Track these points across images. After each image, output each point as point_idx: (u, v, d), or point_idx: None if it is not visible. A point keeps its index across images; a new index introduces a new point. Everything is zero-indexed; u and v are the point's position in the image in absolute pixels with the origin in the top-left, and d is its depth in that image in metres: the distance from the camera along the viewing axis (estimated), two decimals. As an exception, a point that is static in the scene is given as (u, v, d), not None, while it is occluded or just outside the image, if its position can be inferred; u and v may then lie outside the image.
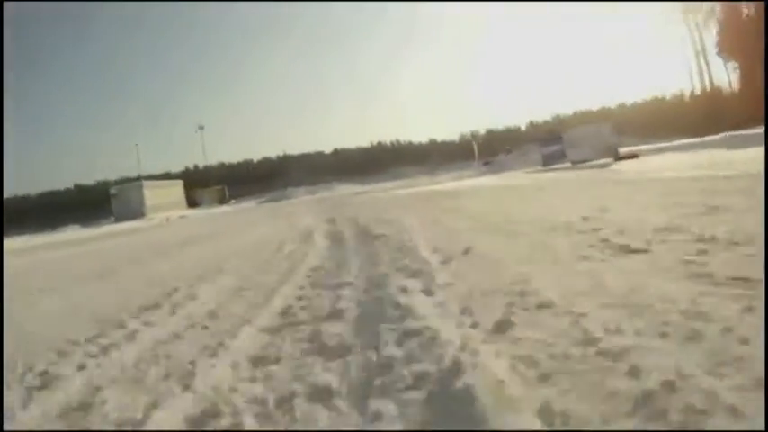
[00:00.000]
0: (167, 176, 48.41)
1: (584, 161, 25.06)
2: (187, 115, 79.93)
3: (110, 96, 76.86)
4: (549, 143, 29.33)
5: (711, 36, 43.54)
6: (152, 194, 37.51)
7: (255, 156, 59.57)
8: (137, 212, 34.67)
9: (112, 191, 38.79)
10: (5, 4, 26.76)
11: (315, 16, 79.43)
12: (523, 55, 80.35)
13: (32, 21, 65.54)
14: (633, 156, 23.07)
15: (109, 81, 78.26)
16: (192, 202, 43.56)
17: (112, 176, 48.48)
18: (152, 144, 73.76)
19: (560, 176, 16.46)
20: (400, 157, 53.28)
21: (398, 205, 12.54)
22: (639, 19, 64.31)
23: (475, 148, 47.14)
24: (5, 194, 48.44)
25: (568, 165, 25.68)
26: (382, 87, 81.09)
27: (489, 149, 46.31)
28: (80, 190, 51.10)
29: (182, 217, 30.64)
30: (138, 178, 41.27)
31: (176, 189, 42.67)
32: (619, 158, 22.88)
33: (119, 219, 34.82)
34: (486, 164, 41.01)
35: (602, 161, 23.12)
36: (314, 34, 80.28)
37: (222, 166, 56.10)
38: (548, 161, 28.42)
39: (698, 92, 48.45)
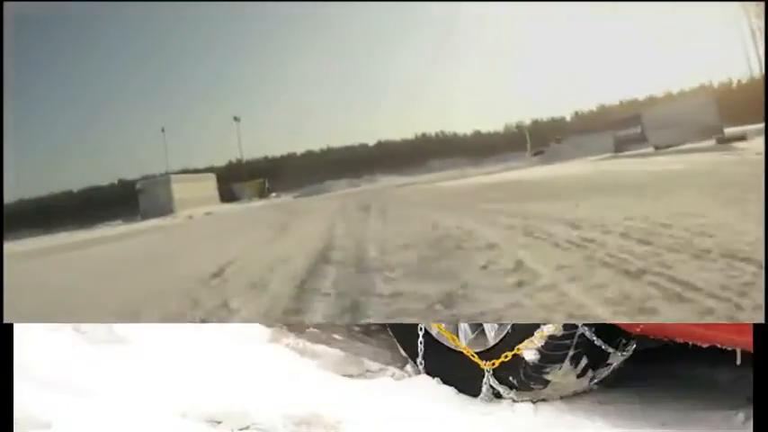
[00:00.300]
0: (210, 170, 45.06)
1: (670, 146, 19.27)
2: (230, 110, 76.65)
3: (153, 92, 74.79)
4: (622, 125, 23.48)
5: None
6: (181, 188, 33.05)
7: (299, 149, 56.16)
8: (165, 208, 30.38)
9: (138, 186, 34.52)
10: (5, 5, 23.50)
11: (361, 15, 74.66)
12: (564, 45, 73.00)
13: (76, 16, 63.14)
14: (741, 137, 17.32)
15: (153, 77, 76.25)
16: (230, 196, 39.38)
17: (157, 171, 45.96)
18: (196, 138, 70.81)
19: (714, 160, 10.85)
20: (445, 149, 49.19)
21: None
22: (686, 13, 56.28)
23: (527, 136, 41.49)
24: (44, 192, 46.77)
25: (651, 149, 19.95)
26: (426, 81, 76.17)
27: (538, 139, 41.29)
28: (123, 185, 48.11)
29: (207, 214, 26.39)
30: (167, 173, 37.36)
31: (208, 183, 38.08)
32: (725, 141, 17.11)
33: (145, 216, 30.61)
34: (536, 154, 35.17)
35: (703, 144, 17.31)
36: (360, 30, 75.56)
37: (265, 159, 53.36)
38: (621, 146, 22.62)
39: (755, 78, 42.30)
